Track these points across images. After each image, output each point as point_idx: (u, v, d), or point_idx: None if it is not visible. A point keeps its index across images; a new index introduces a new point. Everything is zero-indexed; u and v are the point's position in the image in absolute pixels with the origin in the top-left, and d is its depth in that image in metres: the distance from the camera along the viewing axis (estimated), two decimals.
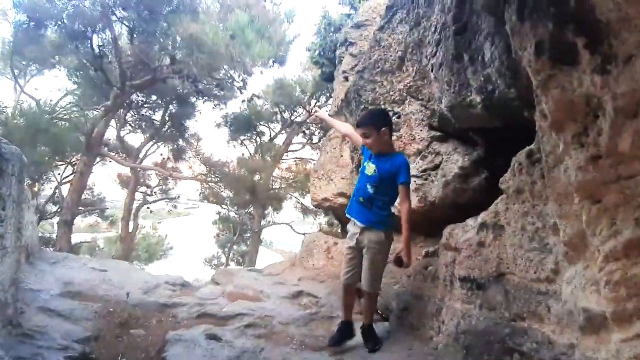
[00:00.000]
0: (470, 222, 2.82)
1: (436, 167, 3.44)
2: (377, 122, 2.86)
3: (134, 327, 3.28)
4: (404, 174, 2.80)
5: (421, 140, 3.56)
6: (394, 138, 3.82)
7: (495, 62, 2.16)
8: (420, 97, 3.47)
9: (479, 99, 2.50)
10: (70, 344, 2.75)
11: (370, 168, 2.90)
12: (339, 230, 5.17)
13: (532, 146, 2.12)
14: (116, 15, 6.96)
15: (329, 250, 4.71)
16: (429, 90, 3.31)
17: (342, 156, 4.83)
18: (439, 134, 3.44)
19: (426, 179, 3.55)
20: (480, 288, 2.55)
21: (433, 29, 3.00)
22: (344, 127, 3.55)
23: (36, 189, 9.49)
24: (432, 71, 3.03)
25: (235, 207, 14.45)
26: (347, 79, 5.13)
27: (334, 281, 4.49)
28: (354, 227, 3.04)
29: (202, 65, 6.76)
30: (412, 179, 3.75)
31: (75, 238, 15.36)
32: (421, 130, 3.55)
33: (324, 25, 8.56)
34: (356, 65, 4.78)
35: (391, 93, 3.69)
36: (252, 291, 4.58)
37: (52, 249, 8.52)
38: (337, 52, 5.57)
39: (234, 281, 5.12)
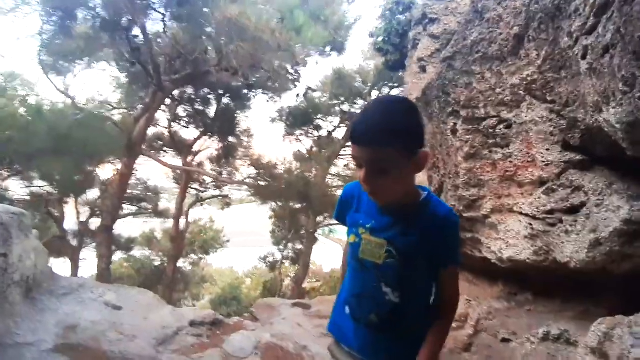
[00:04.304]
0: None
1: (574, 210, 2.18)
2: (408, 138, 1.13)
3: None
4: (457, 248, 1.28)
5: (546, 165, 2.30)
6: (480, 163, 2.61)
7: None
8: (549, 98, 2.20)
9: None
10: None
11: (377, 245, 1.25)
12: None
13: None
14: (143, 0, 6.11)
15: None
16: (568, 87, 2.05)
17: None
18: (579, 156, 2.17)
19: (553, 225, 2.30)
20: None
21: None
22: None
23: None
24: (583, 58, 1.78)
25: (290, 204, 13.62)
26: (424, 69, 3.79)
27: None
28: None
29: (244, 55, 5.74)
30: (528, 220, 2.51)
31: (135, 227, 15.49)
32: (547, 149, 2.29)
33: (390, 4, 7.31)
34: (439, 50, 3.49)
35: (498, 90, 2.45)
36: (293, 344, 3.65)
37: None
38: (411, 34, 4.20)
39: (274, 321, 4.28)
